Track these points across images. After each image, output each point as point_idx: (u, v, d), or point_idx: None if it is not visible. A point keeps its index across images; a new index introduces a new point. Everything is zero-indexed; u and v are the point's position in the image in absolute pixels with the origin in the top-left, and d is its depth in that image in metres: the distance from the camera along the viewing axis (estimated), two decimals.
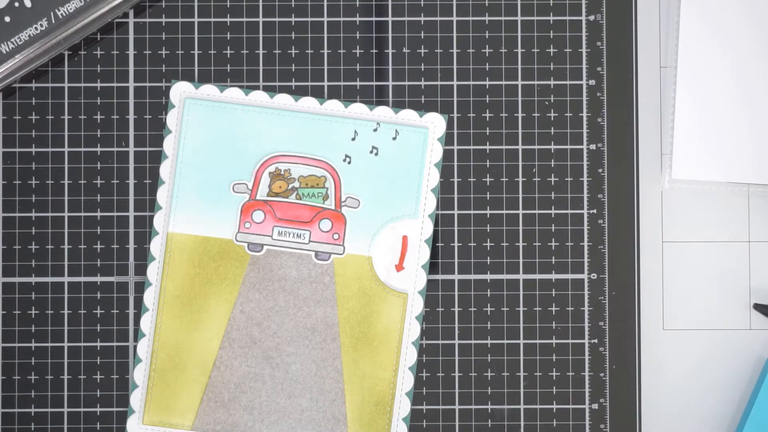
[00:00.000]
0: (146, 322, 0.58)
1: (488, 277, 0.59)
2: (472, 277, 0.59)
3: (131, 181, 0.59)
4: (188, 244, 0.58)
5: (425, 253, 0.58)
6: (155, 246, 0.58)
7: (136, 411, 0.58)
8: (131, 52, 0.59)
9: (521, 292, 0.59)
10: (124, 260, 0.59)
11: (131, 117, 0.59)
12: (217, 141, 0.58)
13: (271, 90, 0.59)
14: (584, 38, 0.60)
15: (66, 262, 0.59)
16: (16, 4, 0.57)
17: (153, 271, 0.58)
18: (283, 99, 0.58)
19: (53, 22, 0.57)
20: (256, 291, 0.58)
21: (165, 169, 0.58)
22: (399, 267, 0.58)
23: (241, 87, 0.59)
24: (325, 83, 0.59)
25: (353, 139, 0.58)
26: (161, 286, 0.58)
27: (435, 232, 0.59)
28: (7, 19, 0.57)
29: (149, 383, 0.58)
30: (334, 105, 0.58)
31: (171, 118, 0.58)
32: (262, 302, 0.58)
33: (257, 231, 0.58)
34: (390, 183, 0.58)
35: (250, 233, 0.58)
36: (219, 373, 0.58)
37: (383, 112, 0.58)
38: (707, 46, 0.58)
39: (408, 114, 0.59)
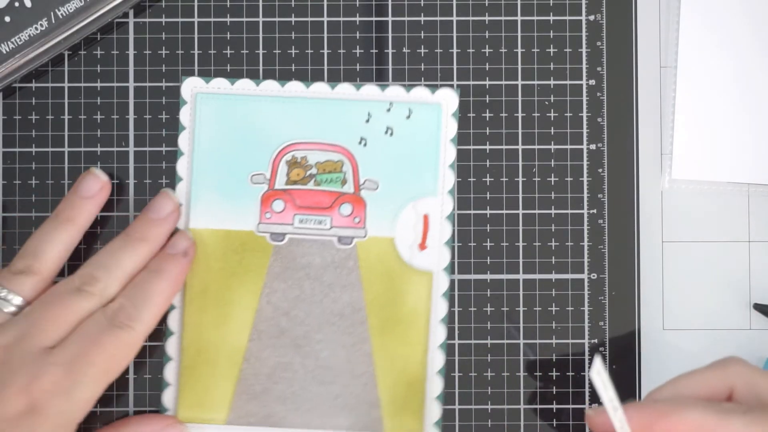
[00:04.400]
0: (173, 320, 0.58)
1: (488, 277, 0.59)
2: (472, 277, 0.59)
3: (131, 181, 0.59)
4: (210, 238, 0.58)
5: (447, 231, 0.58)
6: None
7: (170, 409, 0.58)
8: (131, 52, 0.59)
9: (521, 292, 0.59)
10: None
11: (131, 117, 0.59)
12: (232, 133, 0.58)
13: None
14: (584, 38, 0.60)
15: (66, 262, 0.59)
16: (16, 4, 0.57)
17: None
18: (295, 86, 0.59)
19: (53, 22, 0.57)
20: (281, 281, 0.58)
21: (181, 166, 0.58)
22: (422, 246, 0.58)
23: (251, 78, 0.59)
24: (325, 83, 0.59)
25: (367, 121, 0.58)
26: (186, 282, 0.58)
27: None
28: (7, 19, 0.57)
29: (180, 381, 0.58)
30: (345, 88, 0.59)
31: (184, 115, 0.58)
32: (287, 291, 0.58)
33: (278, 220, 0.58)
34: (407, 162, 0.58)
35: (271, 223, 0.58)
36: (249, 365, 0.58)
37: (395, 91, 0.58)
38: (707, 46, 0.58)
39: (420, 92, 0.59)
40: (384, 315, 0.58)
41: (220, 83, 0.58)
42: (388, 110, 0.58)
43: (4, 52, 0.57)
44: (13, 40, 0.57)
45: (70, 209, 0.56)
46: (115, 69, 0.59)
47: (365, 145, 0.58)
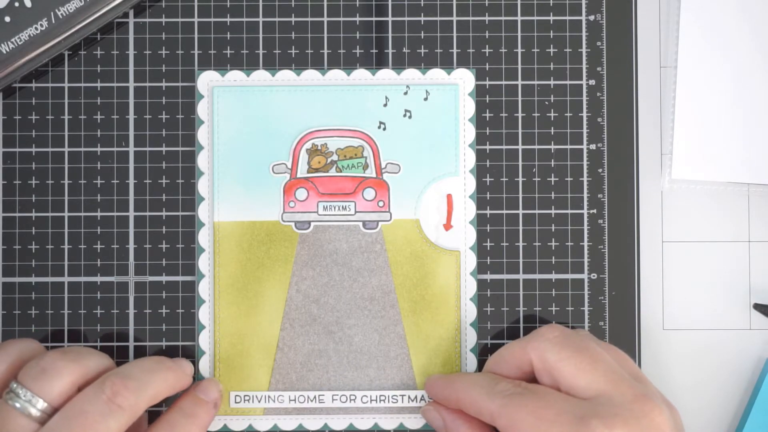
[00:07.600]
0: (204, 314, 0.58)
1: (488, 277, 0.59)
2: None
3: (131, 181, 0.59)
4: (236, 231, 0.58)
5: (471, 209, 0.59)
6: (203, 237, 0.58)
7: None
8: (131, 52, 0.59)
9: (521, 292, 0.59)
10: (124, 260, 0.59)
11: (131, 117, 0.59)
12: (251, 125, 0.58)
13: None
14: (584, 38, 0.60)
15: (66, 262, 0.59)
16: (16, 4, 0.57)
17: (204, 263, 0.58)
18: (311, 75, 0.59)
19: (53, 22, 0.57)
20: (309, 268, 0.58)
21: (202, 160, 0.58)
22: (447, 226, 0.59)
23: (267, 68, 0.59)
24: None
25: (385, 105, 0.58)
26: (214, 276, 0.58)
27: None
28: (7, 19, 0.57)
29: (216, 374, 0.58)
30: (361, 74, 0.59)
31: (201, 109, 0.59)
32: (316, 279, 0.58)
33: (302, 209, 0.58)
34: (427, 144, 0.58)
35: (295, 212, 0.58)
36: (283, 354, 0.58)
37: (412, 74, 0.59)
38: (707, 46, 0.58)
39: (437, 73, 0.59)
40: (414, 296, 0.58)
41: (235, 75, 0.59)
42: (406, 93, 0.58)
43: (4, 52, 0.57)
44: (13, 40, 0.57)
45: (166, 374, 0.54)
46: (115, 69, 0.59)
47: (384, 129, 0.58)
